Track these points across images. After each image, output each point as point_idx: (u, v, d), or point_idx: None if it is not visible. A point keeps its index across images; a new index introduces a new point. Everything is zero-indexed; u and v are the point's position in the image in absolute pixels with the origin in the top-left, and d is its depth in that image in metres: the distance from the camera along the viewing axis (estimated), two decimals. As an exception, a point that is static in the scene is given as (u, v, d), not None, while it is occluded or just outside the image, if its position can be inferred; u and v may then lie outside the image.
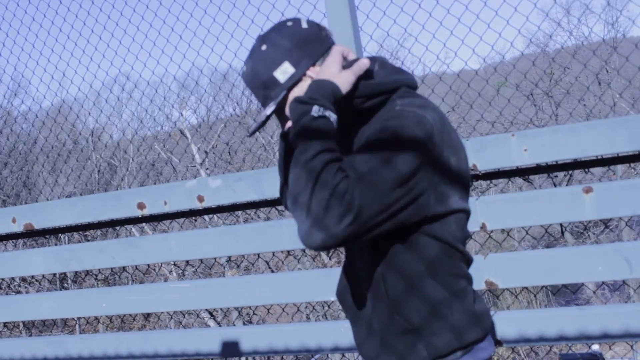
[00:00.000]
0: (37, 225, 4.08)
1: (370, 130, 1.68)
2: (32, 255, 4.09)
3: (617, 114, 16.28)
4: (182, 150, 14.64)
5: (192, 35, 4.77)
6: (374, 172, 1.55)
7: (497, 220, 3.12)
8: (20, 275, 4.22)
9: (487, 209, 3.12)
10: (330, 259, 13.50)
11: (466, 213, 1.77)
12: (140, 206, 3.76)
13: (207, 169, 13.79)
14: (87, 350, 4.11)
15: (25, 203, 14.78)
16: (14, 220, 4.12)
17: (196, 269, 12.34)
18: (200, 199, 3.62)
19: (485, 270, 3.15)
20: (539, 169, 3.28)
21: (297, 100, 1.69)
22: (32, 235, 4.12)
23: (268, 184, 3.49)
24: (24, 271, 4.16)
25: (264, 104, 1.83)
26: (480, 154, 3.11)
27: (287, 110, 1.82)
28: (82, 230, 3.97)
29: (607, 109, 16.11)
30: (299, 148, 1.61)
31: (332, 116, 1.66)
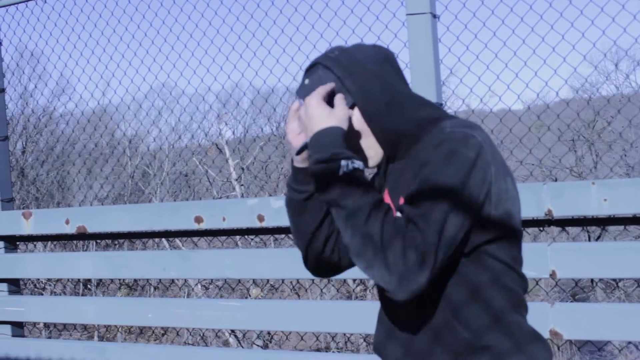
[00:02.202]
0: (90, 229, 4.04)
1: (422, 159, 1.62)
2: (82, 258, 4.06)
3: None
4: (219, 165, 14.66)
5: (239, 57, 4.71)
6: (434, 208, 1.52)
7: (567, 268, 3.04)
8: (69, 276, 4.19)
9: (557, 257, 3.04)
10: (355, 285, 13.40)
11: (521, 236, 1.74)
12: (198, 219, 3.72)
13: (242, 185, 13.79)
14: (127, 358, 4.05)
15: (59, 204, 14.85)
16: (67, 222, 4.09)
17: (220, 287, 12.27)
18: (261, 218, 3.56)
19: (551, 319, 3.06)
20: (613, 220, 3.20)
21: (319, 160, 1.62)
22: (84, 238, 4.09)
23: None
24: (71, 273, 4.12)
25: None
26: (557, 199, 3.03)
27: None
28: (135, 237, 3.93)
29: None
30: (345, 212, 1.57)
31: (360, 164, 1.61)
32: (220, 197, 13.98)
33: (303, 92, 1.74)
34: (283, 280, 8.66)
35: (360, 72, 1.74)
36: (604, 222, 3.20)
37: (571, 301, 11.42)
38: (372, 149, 1.76)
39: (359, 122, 1.73)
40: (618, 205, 2.96)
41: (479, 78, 3.87)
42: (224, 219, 3.66)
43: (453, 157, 1.57)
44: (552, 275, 3.02)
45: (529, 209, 3.07)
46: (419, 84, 3.38)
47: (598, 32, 3.63)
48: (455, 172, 1.55)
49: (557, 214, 3.05)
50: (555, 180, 13.67)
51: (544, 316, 3.04)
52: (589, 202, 2.99)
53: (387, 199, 1.77)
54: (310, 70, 1.76)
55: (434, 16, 3.44)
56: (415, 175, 1.63)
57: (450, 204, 1.54)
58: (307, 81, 1.74)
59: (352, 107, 1.72)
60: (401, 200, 1.67)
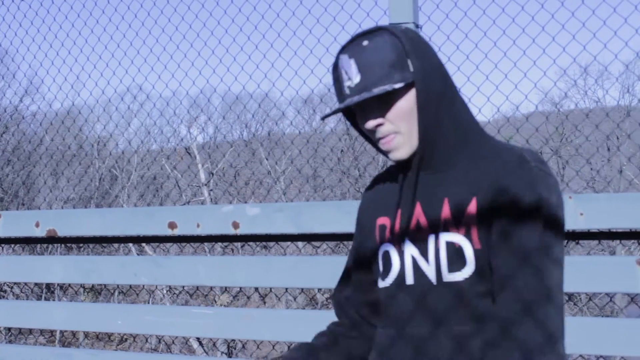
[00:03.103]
0: (61, 233, 3.97)
1: (502, 186, 1.54)
2: (52, 262, 3.98)
3: (624, 178, 16.33)
4: (186, 167, 14.57)
5: (210, 53, 4.67)
6: (549, 278, 1.50)
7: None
8: (37, 281, 4.11)
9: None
10: (322, 294, 13.37)
11: None
12: (172, 225, 3.67)
13: (212, 190, 13.71)
14: (94, 366, 3.98)
15: (23, 203, 14.63)
16: (37, 225, 4.01)
17: (191, 294, 12.20)
18: (236, 225, 3.53)
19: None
20: (589, 235, 3.21)
21: None
22: (55, 242, 4.02)
23: (308, 217, 3.40)
24: (41, 277, 4.04)
25: None
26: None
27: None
28: (107, 242, 3.87)
29: (614, 173, 16.15)
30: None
31: None
32: (189, 202, 13.89)
33: (358, 51, 1.58)
34: (256, 289, 8.63)
35: (425, 54, 1.62)
36: (579, 237, 3.21)
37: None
38: (408, 139, 1.61)
39: (407, 104, 1.60)
40: (594, 220, 2.97)
41: (458, 90, 3.88)
42: (198, 225, 3.61)
43: (550, 210, 1.53)
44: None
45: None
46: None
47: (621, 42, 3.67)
48: (553, 230, 1.54)
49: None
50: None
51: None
52: (566, 216, 2.98)
53: (420, 213, 1.64)
54: (371, 33, 1.59)
55: (417, 26, 3.43)
56: (485, 197, 1.55)
57: (559, 273, 1.53)
58: (365, 42, 1.58)
59: (407, 86, 1.59)
60: (446, 211, 1.59)
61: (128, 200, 14.89)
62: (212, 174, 13.76)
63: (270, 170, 13.95)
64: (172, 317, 3.75)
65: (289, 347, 3.31)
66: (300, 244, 9.53)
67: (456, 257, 1.57)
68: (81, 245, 12.49)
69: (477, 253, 1.56)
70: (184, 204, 13.26)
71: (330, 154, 13.58)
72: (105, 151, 14.57)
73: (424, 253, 1.61)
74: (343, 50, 1.63)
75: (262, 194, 14.16)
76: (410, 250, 1.64)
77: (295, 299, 11.02)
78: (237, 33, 4.66)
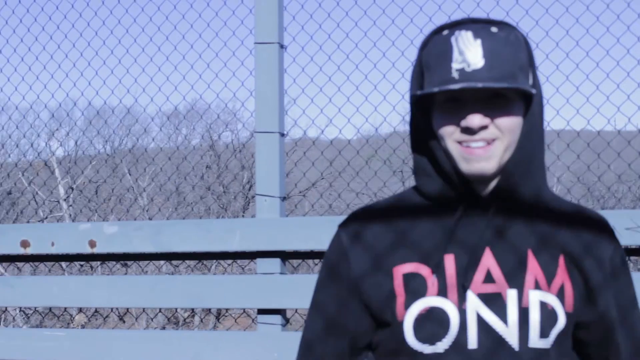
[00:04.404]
0: None
1: (604, 256, 1.44)
2: None
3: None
4: (48, 184, 14.00)
5: (71, 66, 4.51)
6: None
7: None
8: None
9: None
10: (184, 312, 13.17)
11: None
12: (24, 244, 3.52)
13: (71, 205, 13.25)
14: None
15: None
16: None
17: (44, 314, 11.71)
18: (92, 243, 3.43)
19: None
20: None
21: None
22: None
23: (167, 236, 3.35)
24: None
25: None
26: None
27: None
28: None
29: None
30: None
31: None
32: (46, 218, 13.36)
33: (486, 35, 1.33)
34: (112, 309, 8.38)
35: (536, 70, 1.42)
36: None
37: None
38: (502, 155, 1.35)
39: (518, 116, 1.36)
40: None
41: (321, 110, 3.97)
42: (52, 244, 3.49)
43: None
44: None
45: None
46: (263, 112, 3.40)
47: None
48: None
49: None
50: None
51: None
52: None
53: (491, 262, 1.38)
54: (496, 23, 1.36)
55: (282, 46, 3.48)
56: (580, 259, 1.42)
57: None
58: (495, 30, 1.34)
59: (525, 97, 1.37)
60: (534, 265, 1.38)
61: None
62: (72, 188, 13.31)
63: (132, 186, 13.64)
64: (23, 339, 3.59)
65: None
66: (160, 262, 9.37)
67: (549, 320, 1.37)
68: None
69: (568, 317, 1.39)
70: (40, 221, 12.73)
71: (194, 170, 13.44)
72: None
73: (500, 312, 1.35)
74: (460, 26, 1.35)
75: (123, 210, 13.82)
76: (475, 307, 1.35)
77: (152, 319, 10.78)
78: (100, 46, 4.55)
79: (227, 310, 11.43)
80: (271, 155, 3.38)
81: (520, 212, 1.40)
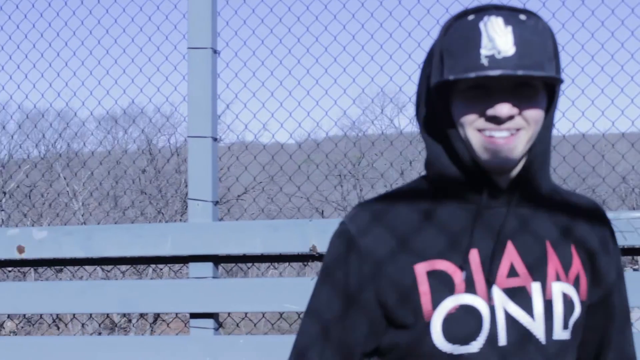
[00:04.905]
0: None
1: (606, 238, 1.46)
2: None
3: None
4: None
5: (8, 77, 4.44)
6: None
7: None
8: None
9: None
10: (121, 317, 13.00)
11: None
12: (-50, 250, 3.45)
13: (3, 210, 12.96)
14: None
15: None
16: None
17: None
18: (21, 249, 3.38)
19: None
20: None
21: None
22: None
23: (98, 241, 3.33)
24: None
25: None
26: (323, 235, 3.17)
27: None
28: None
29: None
30: None
31: None
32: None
33: (516, 22, 1.27)
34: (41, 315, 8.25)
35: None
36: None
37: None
38: (525, 145, 1.30)
39: (542, 107, 1.31)
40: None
41: (254, 115, 4.00)
42: (-21, 250, 3.43)
43: None
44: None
45: (294, 244, 3.19)
46: (196, 117, 3.41)
47: (367, 78, 3.92)
48: None
49: (322, 249, 3.18)
50: (322, 214, 14.19)
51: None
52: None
53: (513, 255, 1.34)
54: (523, 12, 1.29)
55: (215, 51, 3.49)
56: (590, 248, 1.42)
57: None
58: (523, 17, 1.28)
59: (547, 88, 1.33)
60: (553, 256, 1.36)
61: None
62: (5, 192, 13.02)
63: (68, 190, 13.41)
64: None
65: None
66: (92, 267, 9.24)
67: (569, 311, 1.35)
68: None
69: (582, 306, 1.39)
70: (-30, 225, 12.42)
71: (129, 173, 13.30)
72: None
73: (526, 306, 1.32)
74: (487, 12, 1.29)
75: (58, 213, 13.58)
76: (502, 301, 1.31)
77: (83, 325, 10.62)
78: (29, 49, 4.48)
79: (159, 315, 11.33)
80: (204, 160, 3.39)
81: (536, 203, 1.38)
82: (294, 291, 3.15)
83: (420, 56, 3.84)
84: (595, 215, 1.45)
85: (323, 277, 1.39)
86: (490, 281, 1.31)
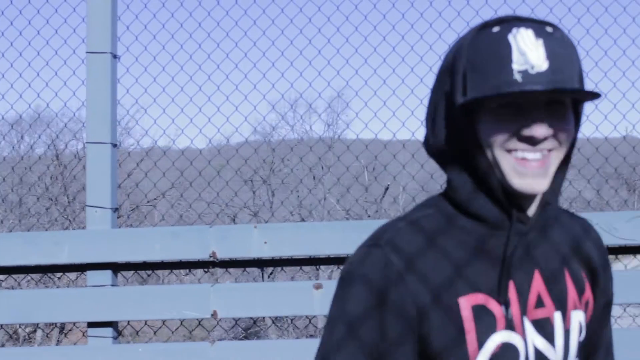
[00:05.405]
0: None
1: (604, 266, 1.41)
2: None
3: (325, 208, 17.41)
4: None
5: None
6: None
7: (229, 308, 3.19)
8: None
9: (220, 297, 3.17)
10: (24, 329, 12.64)
11: None
12: None
13: None
14: None
15: None
16: None
17: None
18: None
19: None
20: (275, 262, 3.42)
21: None
22: None
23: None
24: None
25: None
26: (222, 241, 3.17)
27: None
28: None
29: (316, 202, 17.14)
30: None
31: None
32: None
33: (546, 35, 1.19)
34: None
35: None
36: (264, 264, 3.40)
37: (241, 338, 11.88)
38: (554, 169, 1.22)
39: (572, 131, 1.24)
40: (278, 247, 3.17)
41: (154, 121, 3.97)
42: None
43: None
44: (214, 315, 3.14)
45: (194, 251, 3.18)
46: (95, 122, 3.36)
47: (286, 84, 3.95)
48: None
49: (221, 255, 3.19)
50: (234, 219, 14.11)
51: (204, 354, 3.14)
52: (251, 244, 3.17)
53: (540, 285, 1.28)
54: (549, 24, 1.21)
55: (115, 56, 3.45)
56: (594, 272, 1.38)
57: None
58: (550, 30, 1.20)
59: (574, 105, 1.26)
60: (570, 283, 1.31)
61: None
62: None
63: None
64: None
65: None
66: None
67: (579, 336, 1.32)
68: None
69: (587, 328, 1.36)
70: None
71: (37, 181, 12.96)
72: None
73: (550, 337, 1.27)
74: (514, 24, 1.20)
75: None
76: (532, 336, 1.25)
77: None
78: None
79: (64, 325, 11.08)
80: (103, 166, 3.34)
81: (554, 229, 1.33)
82: (194, 298, 3.14)
83: (338, 62, 3.89)
84: (593, 233, 1.41)
85: (367, 298, 1.21)
86: (523, 315, 1.25)
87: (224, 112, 4.10)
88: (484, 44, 1.19)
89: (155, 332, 3.70)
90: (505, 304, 1.22)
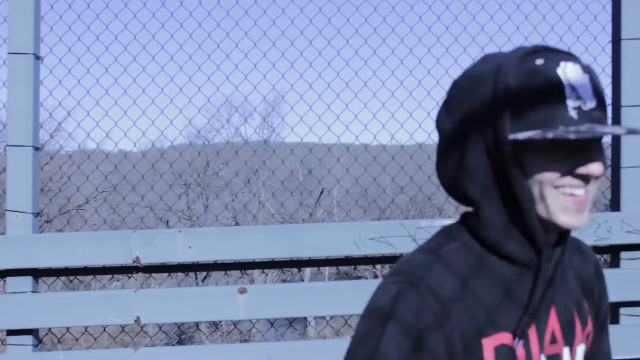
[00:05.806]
0: None
1: (601, 289, 1.41)
2: None
3: (266, 211, 17.42)
4: None
5: None
6: None
7: (152, 314, 3.15)
8: None
9: (143, 302, 3.14)
10: None
11: None
12: None
13: None
14: None
15: None
16: None
17: None
18: None
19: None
20: (200, 266, 3.39)
21: None
22: None
23: None
24: None
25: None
26: (147, 246, 3.14)
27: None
28: None
29: (254, 205, 17.13)
30: None
31: None
32: None
33: (589, 70, 1.18)
34: None
35: None
36: (189, 269, 3.38)
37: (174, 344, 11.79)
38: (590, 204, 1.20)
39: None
40: (202, 252, 3.16)
41: (78, 124, 3.91)
42: None
43: None
44: (137, 320, 3.11)
45: (117, 256, 3.14)
46: (16, 125, 3.29)
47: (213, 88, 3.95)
48: None
49: (145, 260, 3.15)
50: (167, 223, 14.01)
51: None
52: (176, 249, 3.15)
53: (555, 322, 1.26)
54: (575, 56, 1.19)
55: (37, 57, 3.38)
56: (596, 303, 1.39)
57: None
58: (585, 62, 1.19)
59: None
60: (576, 318, 1.30)
61: None
62: None
63: None
64: None
65: None
66: None
67: None
68: None
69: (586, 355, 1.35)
70: None
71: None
72: None
73: None
74: (557, 56, 1.18)
75: None
76: None
77: None
78: None
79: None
80: (24, 170, 3.27)
81: (565, 261, 1.31)
82: (117, 304, 3.10)
83: (266, 66, 3.91)
84: (592, 257, 1.40)
85: (405, 339, 1.14)
86: (540, 351, 1.23)
87: (149, 116, 4.07)
88: (530, 78, 1.16)
89: (77, 340, 3.63)
90: (524, 341, 1.20)
